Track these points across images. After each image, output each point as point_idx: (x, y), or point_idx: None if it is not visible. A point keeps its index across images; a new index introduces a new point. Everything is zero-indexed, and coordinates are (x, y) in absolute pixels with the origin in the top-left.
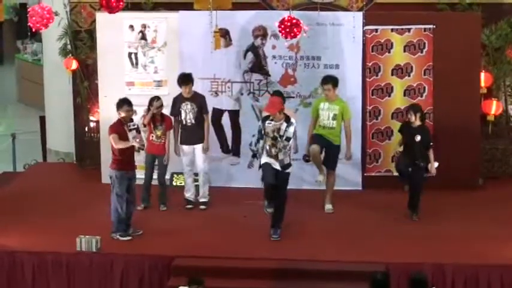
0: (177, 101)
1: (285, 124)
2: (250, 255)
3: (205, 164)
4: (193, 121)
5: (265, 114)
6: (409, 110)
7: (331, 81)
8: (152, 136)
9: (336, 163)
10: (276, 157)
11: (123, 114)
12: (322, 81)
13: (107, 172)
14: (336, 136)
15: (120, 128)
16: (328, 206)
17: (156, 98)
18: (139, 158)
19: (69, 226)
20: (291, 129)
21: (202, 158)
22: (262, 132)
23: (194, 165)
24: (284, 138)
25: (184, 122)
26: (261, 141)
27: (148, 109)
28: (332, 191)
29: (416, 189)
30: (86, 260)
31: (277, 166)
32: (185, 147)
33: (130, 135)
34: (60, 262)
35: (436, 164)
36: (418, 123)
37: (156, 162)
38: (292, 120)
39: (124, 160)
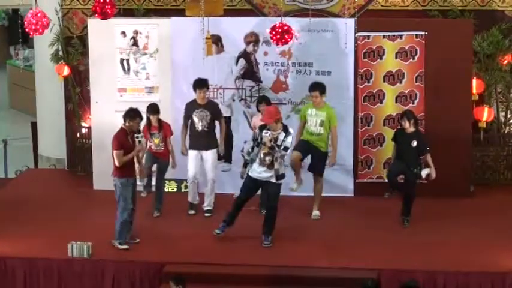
0: (189, 107)
1: (282, 134)
2: (241, 262)
3: (214, 172)
4: (205, 128)
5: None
6: (402, 117)
7: (318, 88)
8: (151, 145)
9: (323, 169)
10: (269, 166)
11: (131, 124)
12: (310, 88)
13: (99, 178)
14: (323, 142)
15: (125, 142)
16: (315, 213)
17: (151, 106)
18: None
19: (61, 232)
20: (289, 139)
21: (212, 165)
22: (259, 141)
23: (199, 173)
24: (282, 148)
25: (195, 128)
26: (256, 149)
27: (147, 116)
28: (320, 198)
29: (410, 196)
30: (77, 266)
31: (265, 176)
32: (192, 152)
33: (139, 146)
34: (51, 268)
35: (427, 171)
36: (412, 129)
37: (155, 168)
38: (290, 130)
39: (126, 166)
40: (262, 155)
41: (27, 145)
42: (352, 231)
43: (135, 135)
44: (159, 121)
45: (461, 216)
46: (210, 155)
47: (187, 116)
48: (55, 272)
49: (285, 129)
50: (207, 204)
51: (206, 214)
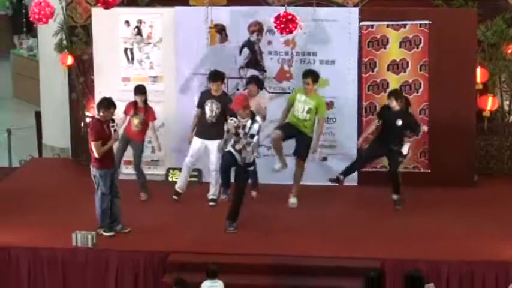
0: (203, 96)
1: (250, 121)
2: (244, 251)
3: (219, 162)
4: (213, 120)
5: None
6: (390, 96)
7: (310, 75)
8: (129, 124)
9: (307, 154)
10: (239, 152)
11: (105, 114)
12: (303, 74)
13: None
14: (308, 128)
15: (102, 132)
16: (293, 200)
17: (137, 87)
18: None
19: (65, 222)
20: (256, 126)
21: (216, 156)
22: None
23: (197, 160)
24: (248, 135)
25: (205, 118)
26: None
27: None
28: (299, 184)
29: (396, 174)
30: (81, 255)
31: (236, 157)
32: (196, 140)
33: (115, 135)
34: (55, 258)
35: (408, 145)
36: (397, 108)
37: (132, 150)
38: (257, 118)
39: (106, 158)
40: (233, 142)
41: (31, 134)
42: (356, 220)
43: (110, 124)
44: (145, 104)
45: (465, 206)
46: (215, 146)
47: (200, 105)
48: (59, 261)
49: (252, 117)
50: (212, 194)
51: (211, 203)
